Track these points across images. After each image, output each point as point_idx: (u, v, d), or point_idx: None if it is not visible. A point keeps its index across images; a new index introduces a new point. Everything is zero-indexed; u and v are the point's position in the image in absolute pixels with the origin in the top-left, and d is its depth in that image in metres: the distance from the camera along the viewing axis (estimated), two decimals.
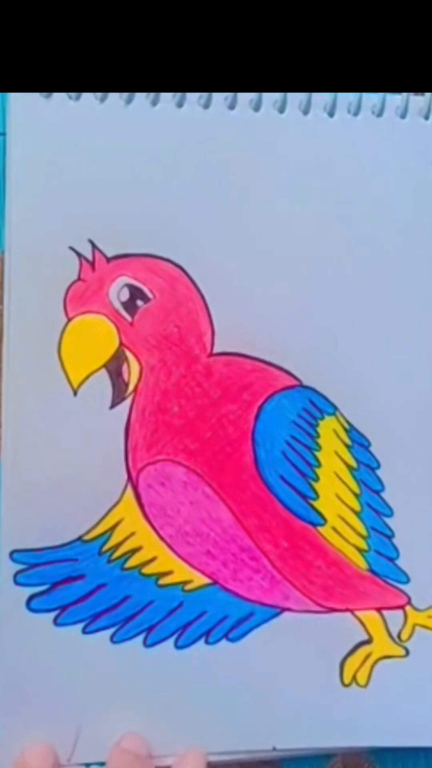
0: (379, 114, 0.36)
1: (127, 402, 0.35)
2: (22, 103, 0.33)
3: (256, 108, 0.35)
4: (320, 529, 0.37)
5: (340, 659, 0.37)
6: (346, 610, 0.37)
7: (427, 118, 0.36)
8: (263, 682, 0.36)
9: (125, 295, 0.34)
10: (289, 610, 0.37)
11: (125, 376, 0.35)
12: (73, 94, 0.33)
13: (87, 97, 0.34)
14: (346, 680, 0.37)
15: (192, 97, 0.34)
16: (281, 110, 0.35)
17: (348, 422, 0.37)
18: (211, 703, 0.36)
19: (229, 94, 0.35)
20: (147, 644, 0.35)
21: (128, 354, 0.35)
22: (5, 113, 0.34)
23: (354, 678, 0.37)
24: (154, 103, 0.34)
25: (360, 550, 0.37)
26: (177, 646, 0.36)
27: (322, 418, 0.36)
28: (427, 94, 0.36)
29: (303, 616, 0.37)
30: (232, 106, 0.34)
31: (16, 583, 0.34)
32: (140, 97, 0.34)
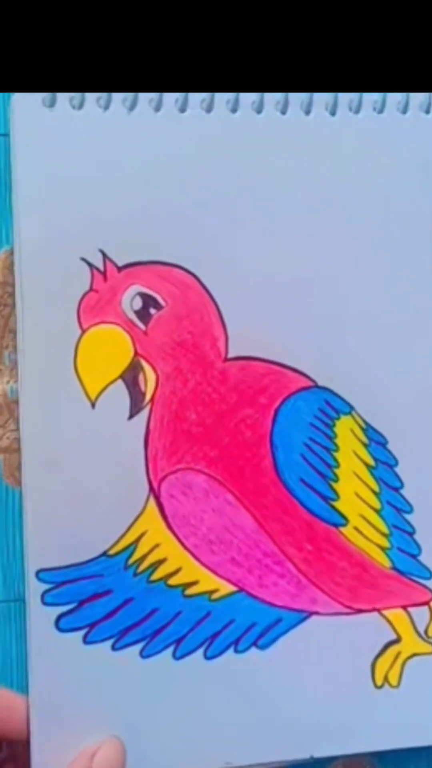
0: (380, 110, 0.36)
1: (145, 412, 0.34)
2: (26, 109, 0.33)
3: (259, 110, 0.35)
4: (342, 529, 0.36)
5: (371, 661, 0.37)
6: (373, 610, 0.37)
7: (427, 112, 0.36)
8: (296, 688, 0.36)
9: (138, 303, 0.34)
10: (317, 613, 0.36)
11: (142, 385, 0.34)
12: (76, 101, 0.33)
13: (90, 104, 0.33)
14: (378, 682, 0.37)
15: (194, 101, 0.34)
16: (283, 111, 0.35)
17: (364, 421, 0.36)
18: (245, 712, 0.35)
19: (231, 97, 0.34)
20: (176, 657, 0.35)
21: (144, 363, 0.34)
22: (7, 115, 0.34)
23: (386, 679, 0.37)
24: (157, 108, 0.34)
25: (383, 549, 0.37)
26: (206, 657, 0.35)
27: (339, 418, 0.36)
28: None
29: (331, 620, 0.36)
30: (234, 109, 0.34)
31: (45, 603, 0.34)
32: (143, 103, 0.34)
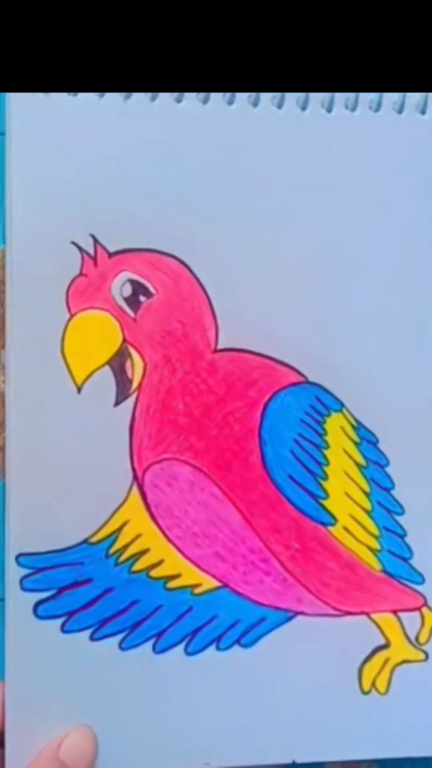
0: (377, 109, 0.36)
1: (131, 399, 0.34)
2: (21, 100, 0.33)
3: (255, 104, 0.35)
4: (331, 529, 0.36)
5: (358, 665, 0.36)
6: (362, 613, 0.36)
7: (423, 112, 0.36)
8: (279, 690, 0.35)
9: (128, 290, 0.34)
10: (302, 614, 0.35)
11: (129, 373, 0.34)
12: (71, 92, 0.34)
13: (85, 93, 0.34)
14: (365, 687, 0.36)
15: (191, 92, 0.34)
16: (279, 106, 0.35)
17: (355, 419, 0.36)
18: (224, 712, 0.35)
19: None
20: (156, 651, 0.34)
21: (132, 351, 0.34)
22: (4, 112, 0.34)
23: (373, 685, 0.36)
24: (153, 98, 0.34)
25: (373, 550, 0.36)
26: (187, 653, 0.35)
27: (329, 415, 0.36)
28: None
29: (317, 621, 0.35)
30: (230, 102, 0.35)
31: (23, 588, 0.33)
32: (138, 93, 0.34)
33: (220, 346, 0.35)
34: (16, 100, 0.33)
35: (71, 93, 0.33)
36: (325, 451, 0.36)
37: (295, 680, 0.35)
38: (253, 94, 0.35)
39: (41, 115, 0.33)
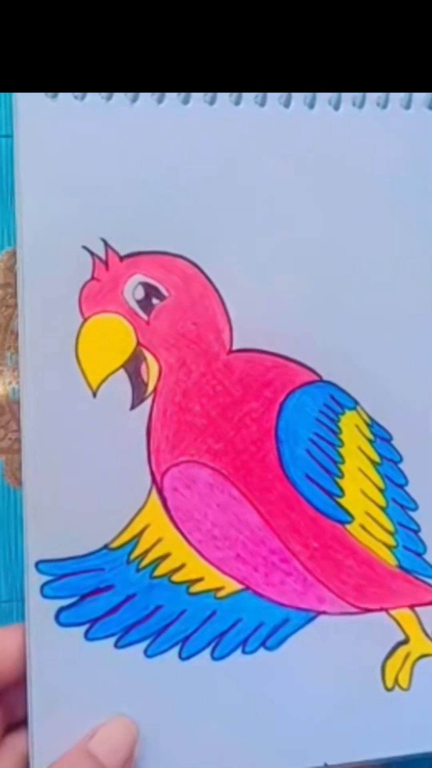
0: (384, 106, 0.36)
1: (147, 402, 0.34)
2: (29, 103, 0.33)
3: (262, 103, 0.35)
4: (348, 527, 0.36)
5: (381, 662, 0.36)
6: (381, 609, 0.36)
7: (431, 108, 0.36)
8: (306, 691, 0.35)
9: (140, 293, 0.34)
10: (324, 613, 0.35)
11: (144, 376, 0.34)
12: (79, 94, 0.33)
13: (92, 96, 0.33)
14: (389, 684, 0.35)
15: (197, 93, 0.34)
16: (287, 105, 0.35)
17: (369, 416, 0.36)
18: (255, 716, 0.34)
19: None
20: (182, 657, 0.34)
21: (146, 353, 0.34)
22: (12, 115, 0.33)
23: (396, 681, 0.36)
24: (160, 100, 0.34)
25: (388, 547, 0.36)
26: (214, 658, 0.34)
27: (344, 413, 0.36)
28: None
29: (339, 619, 0.35)
30: (237, 102, 0.35)
31: (44, 595, 0.33)
32: (146, 94, 0.34)
33: (235, 346, 0.35)
34: (24, 101, 0.33)
35: (78, 95, 0.33)
36: (341, 450, 0.36)
37: (321, 681, 0.35)
38: (260, 94, 0.35)
39: (49, 118, 0.33)
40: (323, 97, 0.35)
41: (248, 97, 0.35)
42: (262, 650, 0.35)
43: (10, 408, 0.35)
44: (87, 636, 0.33)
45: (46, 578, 0.33)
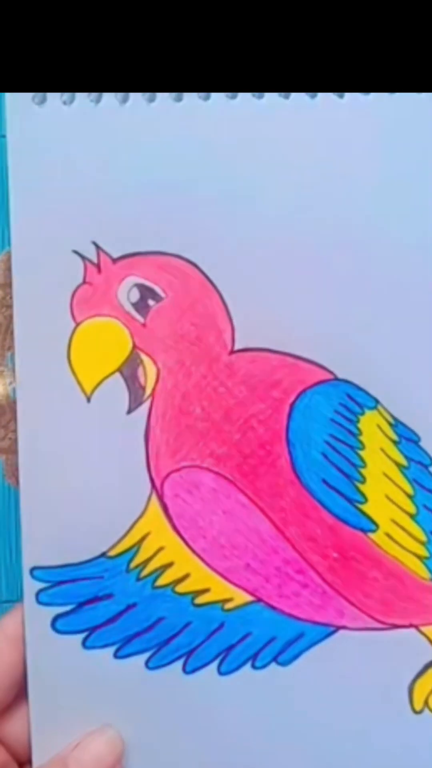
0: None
1: (145, 406, 0.33)
2: (17, 105, 0.33)
3: (259, 96, 0.33)
4: (372, 536, 0.33)
5: (409, 683, 0.33)
6: (410, 625, 0.33)
7: None
8: (321, 711, 0.33)
9: (135, 295, 0.33)
10: (344, 628, 0.33)
11: (141, 379, 0.33)
12: (67, 98, 0.33)
13: (81, 99, 0.33)
14: (417, 706, 0.33)
15: (190, 93, 0.33)
16: (286, 96, 0.33)
17: (392, 416, 0.33)
18: (264, 735, 0.32)
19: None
20: (187, 670, 0.33)
21: (143, 356, 0.33)
22: (2, 115, 0.34)
23: (426, 703, 0.33)
24: (151, 99, 0.33)
25: (419, 557, 0.33)
26: (220, 672, 0.33)
27: (363, 414, 0.33)
28: None
29: (361, 635, 0.33)
30: (234, 96, 0.33)
31: (39, 602, 0.32)
32: (136, 94, 0.33)
33: (238, 346, 0.33)
34: (12, 103, 0.33)
35: (67, 99, 0.33)
36: (361, 452, 0.33)
37: (340, 700, 0.33)
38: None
39: (38, 123, 0.33)
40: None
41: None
42: (273, 665, 0.33)
43: (10, 408, 0.35)
44: (85, 644, 0.32)
45: (41, 585, 0.32)
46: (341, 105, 0.33)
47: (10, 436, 0.34)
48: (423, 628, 0.33)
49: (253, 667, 0.33)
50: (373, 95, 0.33)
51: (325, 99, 0.33)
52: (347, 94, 0.33)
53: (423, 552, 0.33)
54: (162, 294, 0.33)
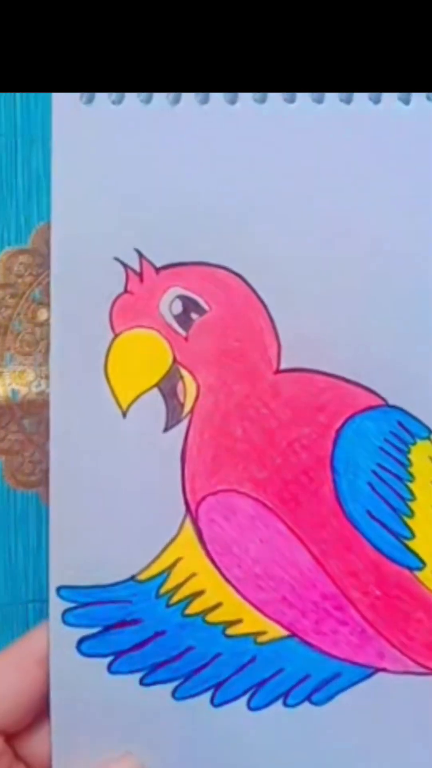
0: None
1: (183, 424, 0.31)
2: (65, 106, 0.31)
3: (291, 100, 0.31)
4: (418, 574, 0.31)
5: None
6: None
7: None
8: (356, 755, 0.31)
9: (178, 307, 0.31)
10: (384, 670, 0.31)
11: (180, 396, 0.31)
12: (116, 98, 0.31)
13: (131, 99, 0.31)
14: None
15: (245, 93, 0.31)
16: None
17: None
18: None
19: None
20: (215, 703, 0.31)
21: (183, 372, 0.31)
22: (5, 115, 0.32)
23: None
24: (204, 101, 0.31)
25: None
26: (250, 707, 0.31)
27: (414, 443, 0.31)
28: None
29: (402, 679, 0.31)
30: (291, 100, 0.31)
31: (65, 622, 0.31)
32: (189, 95, 0.31)
33: (283, 366, 0.31)
34: (59, 103, 0.31)
35: (116, 99, 0.31)
36: (410, 484, 0.31)
37: (374, 745, 0.31)
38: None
39: (84, 124, 0.31)
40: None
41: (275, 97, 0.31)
42: (306, 704, 0.31)
43: (9, 409, 0.34)
44: (110, 669, 0.31)
45: (68, 605, 0.31)
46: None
47: (10, 437, 0.33)
48: None
49: (285, 704, 0.31)
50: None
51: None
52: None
53: None
54: (206, 307, 0.31)
